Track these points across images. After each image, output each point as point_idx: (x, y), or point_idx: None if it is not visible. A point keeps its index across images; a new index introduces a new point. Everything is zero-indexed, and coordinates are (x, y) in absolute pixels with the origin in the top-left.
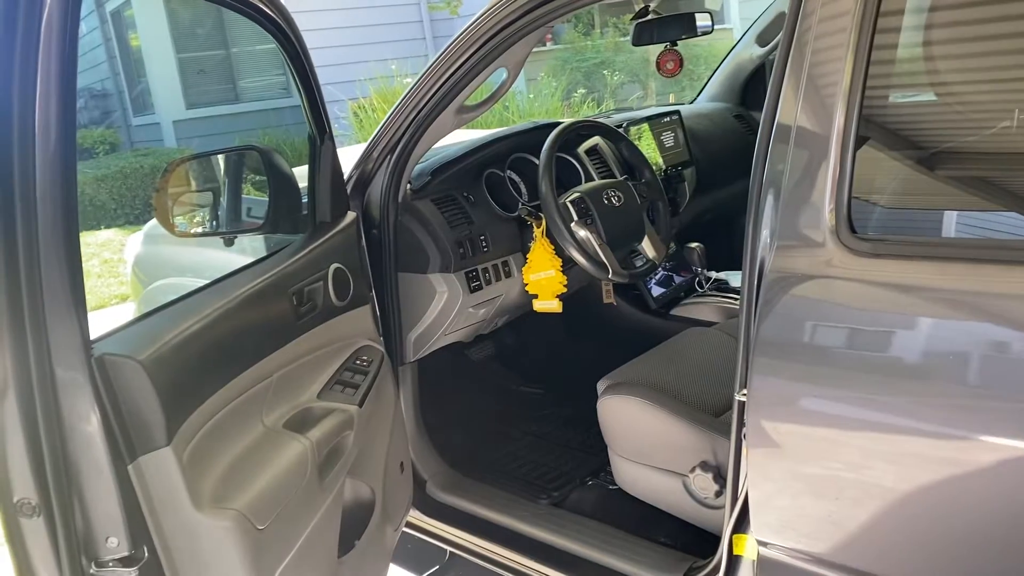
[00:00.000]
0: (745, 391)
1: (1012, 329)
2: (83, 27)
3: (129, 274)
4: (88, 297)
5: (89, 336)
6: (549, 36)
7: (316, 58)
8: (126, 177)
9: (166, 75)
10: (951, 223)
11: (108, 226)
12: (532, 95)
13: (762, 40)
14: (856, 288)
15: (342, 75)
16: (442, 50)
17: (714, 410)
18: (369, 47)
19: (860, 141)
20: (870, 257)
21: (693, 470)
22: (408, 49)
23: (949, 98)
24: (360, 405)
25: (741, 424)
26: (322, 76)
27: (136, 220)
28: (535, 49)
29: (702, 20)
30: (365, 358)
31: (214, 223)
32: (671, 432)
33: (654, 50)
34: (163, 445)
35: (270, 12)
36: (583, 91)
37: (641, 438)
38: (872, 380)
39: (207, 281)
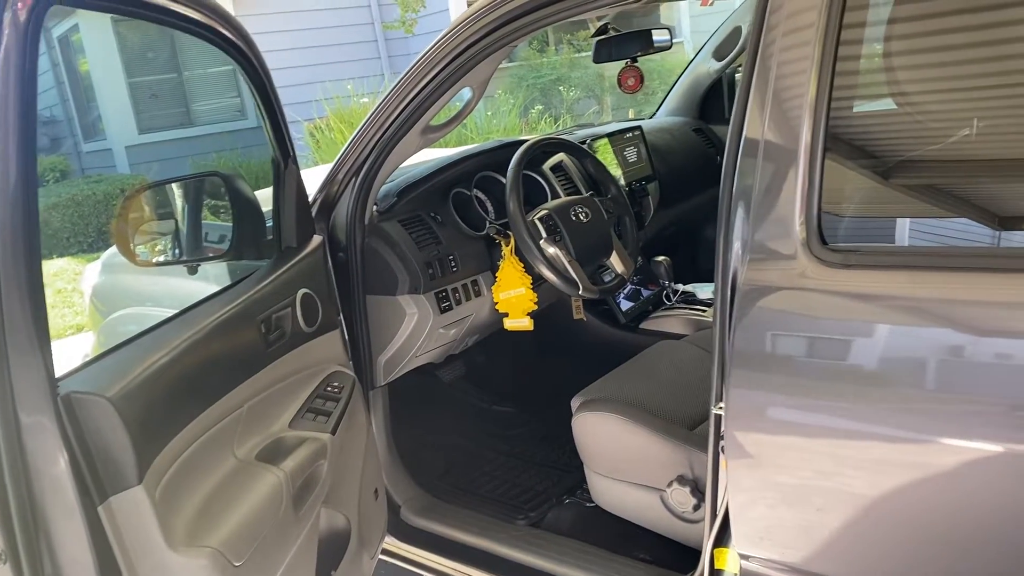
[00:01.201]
0: (721, 404)
1: (984, 336)
2: None
3: (87, 304)
4: None
5: (54, 374)
6: None
7: (273, 79)
8: (78, 204)
9: (117, 100)
10: (921, 232)
11: (61, 255)
12: (490, 112)
13: (718, 54)
14: (828, 299)
15: (298, 96)
16: (406, 70)
17: (689, 423)
18: (325, 67)
19: (828, 153)
20: (841, 268)
21: (670, 484)
22: (364, 69)
23: (913, 108)
24: (333, 432)
25: (718, 437)
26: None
27: (90, 248)
28: None
29: (660, 35)
30: (336, 384)
31: (177, 251)
32: (647, 447)
33: (610, 66)
34: (134, 484)
35: (230, 35)
36: (540, 108)
37: (617, 454)
38: (847, 390)
39: (168, 310)
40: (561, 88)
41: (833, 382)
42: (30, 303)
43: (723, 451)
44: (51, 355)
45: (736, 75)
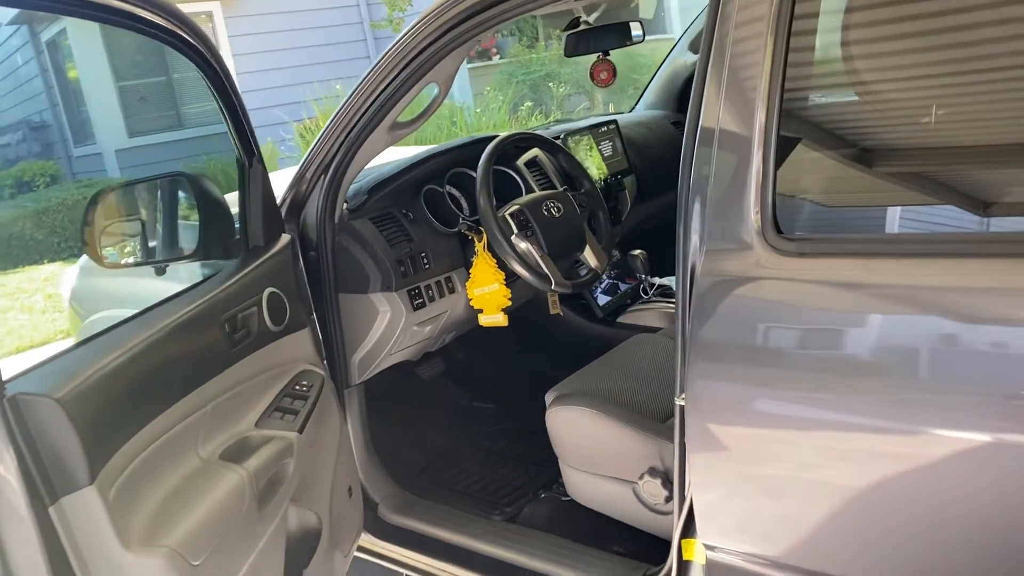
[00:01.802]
0: (684, 395)
1: (939, 318)
2: (18, 58)
3: (66, 307)
4: (33, 333)
5: (1, 376)
6: (495, 51)
7: (259, 81)
8: (69, 209)
9: (106, 104)
10: (875, 220)
11: (52, 260)
12: (479, 109)
13: (694, 47)
14: (785, 288)
15: (287, 97)
16: (370, 67)
17: (661, 415)
18: (314, 68)
19: (782, 142)
20: (796, 257)
21: (642, 477)
22: (353, 69)
23: (867, 96)
24: (300, 431)
25: (683, 428)
26: (267, 98)
27: (80, 252)
28: (481, 64)
29: (634, 30)
30: (305, 383)
31: (144, 253)
32: (619, 440)
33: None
34: (85, 485)
35: (185, 35)
36: (530, 104)
37: (590, 448)
38: (807, 377)
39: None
40: (551, 84)
41: (792, 372)
42: None
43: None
44: None
45: None
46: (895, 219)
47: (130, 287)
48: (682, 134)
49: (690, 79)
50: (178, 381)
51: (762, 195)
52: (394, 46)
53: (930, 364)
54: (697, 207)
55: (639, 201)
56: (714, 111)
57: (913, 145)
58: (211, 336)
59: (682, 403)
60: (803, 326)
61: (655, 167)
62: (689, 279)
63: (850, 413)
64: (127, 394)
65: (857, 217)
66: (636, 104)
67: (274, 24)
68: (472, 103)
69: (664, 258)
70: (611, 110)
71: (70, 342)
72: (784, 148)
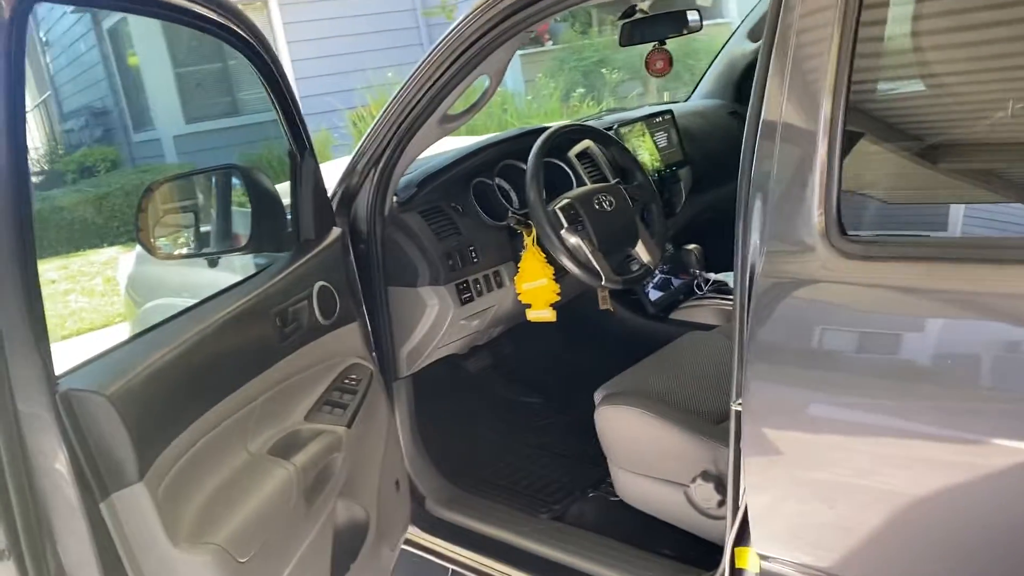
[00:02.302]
0: (740, 400)
1: (1013, 327)
2: (81, 45)
3: (123, 294)
4: (92, 316)
5: (54, 371)
6: (547, 36)
7: (313, 68)
8: (127, 194)
9: (165, 90)
10: (946, 221)
11: (111, 244)
12: (531, 96)
13: (753, 35)
14: (849, 292)
15: (340, 84)
16: (421, 60)
17: (714, 417)
18: (366, 55)
19: (848, 137)
20: (862, 260)
21: (694, 480)
22: (405, 56)
23: (940, 89)
24: (349, 426)
25: (739, 433)
26: (319, 86)
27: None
28: (533, 50)
29: (691, 17)
30: (354, 377)
31: (197, 244)
32: (670, 442)
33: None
34: (135, 481)
35: (235, 27)
36: (582, 91)
37: (640, 448)
38: (870, 385)
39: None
40: (604, 70)
41: (855, 377)
42: (25, 301)
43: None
44: (49, 352)
45: None
46: (968, 220)
47: (185, 276)
48: (740, 125)
49: (749, 68)
50: (229, 376)
51: (826, 193)
52: (445, 38)
53: (1009, 375)
54: (758, 204)
55: (695, 194)
56: (777, 103)
57: (987, 141)
58: (262, 330)
59: (738, 408)
60: (867, 332)
61: (712, 158)
62: (748, 280)
63: (913, 422)
64: (177, 390)
65: (927, 217)
66: (692, 93)
67: (327, 11)
68: (524, 90)
69: (719, 253)
70: (666, 98)
71: (126, 328)
72: (850, 143)
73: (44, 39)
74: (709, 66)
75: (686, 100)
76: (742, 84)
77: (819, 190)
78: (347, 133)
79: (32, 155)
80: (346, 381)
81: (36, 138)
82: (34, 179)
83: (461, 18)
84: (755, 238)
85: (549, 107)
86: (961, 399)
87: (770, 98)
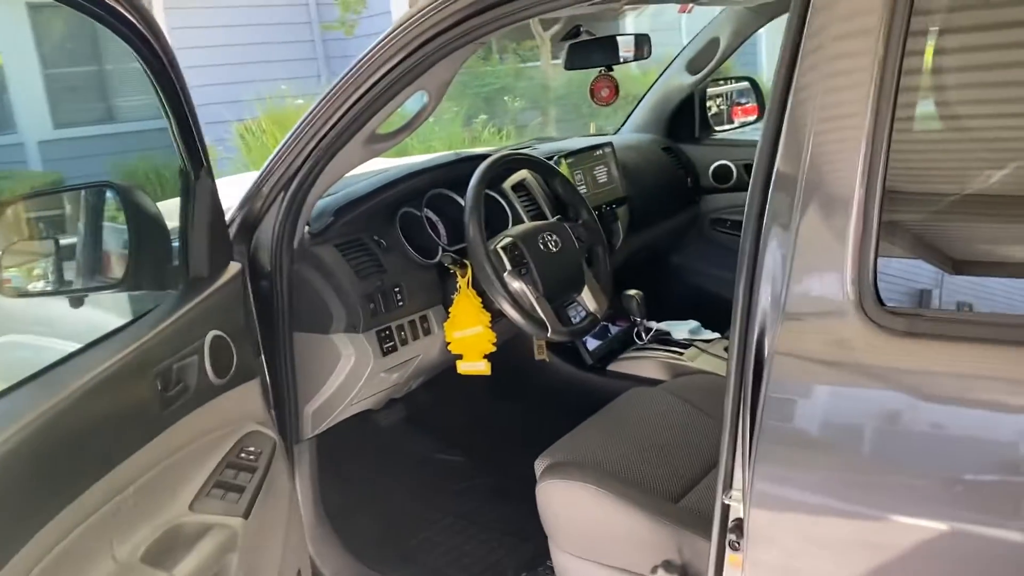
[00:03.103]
0: (733, 492)
1: None
2: None
3: None
4: None
5: None
6: None
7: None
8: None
9: (30, 90)
10: (1011, 294)
11: None
12: (431, 119)
13: (693, 67)
14: (887, 375)
15: (229, 95)
16: (348, 69)
17: (672, 494)
18: (259, 66)
19: (890, 190)
20: (904, 336)
21: (655, 571)
22: (299, 69)
23: (1006, 133)
24: (246, 516)
25: (724, 529)
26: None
27: None
28: None
29: (641, 43)
30: (252, 449)
31: (59, 279)
32: (626, 525)
33: (557, 77)
34: None
35: (127, 15)
36: (484, 117)
37: (591, 531)
38: (913, 486)
39: (65, 341)
40: (506, 98)
41: (894, 477)
42: None
43: (732, 547)
44: None
45: (708, 91)
46: None
47: (44, 307)
48: (673, 161)
49: (684, 103)
50: (91, 460)
51: (861, 256)
52: (380, 43)
53: None
54: (771, 264)
55: (631, 233)
56: (796, 149)
57: None
58: (138, 396)
59: (729, 501)
60: (909, 424)
61: (647, 195)
62: (754, 352)
63: (978, 540)
64: (8, 496)
65: (987, 290)
66: (622, 125)
67: (219, 18)
68: None
69: (660, 298)
70: (592, 129)
71: None
72: (891, 200)
73: None
74: (642, 97)
75: (616, 132)
76: (675, 118)
77: (852, 252)
78: (232, 146)
79: None
80: (242, 455)
81: None
82: None
83: (399, 21)
84: (765, 302)
85: (451, 131)
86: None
87: (786, 143)
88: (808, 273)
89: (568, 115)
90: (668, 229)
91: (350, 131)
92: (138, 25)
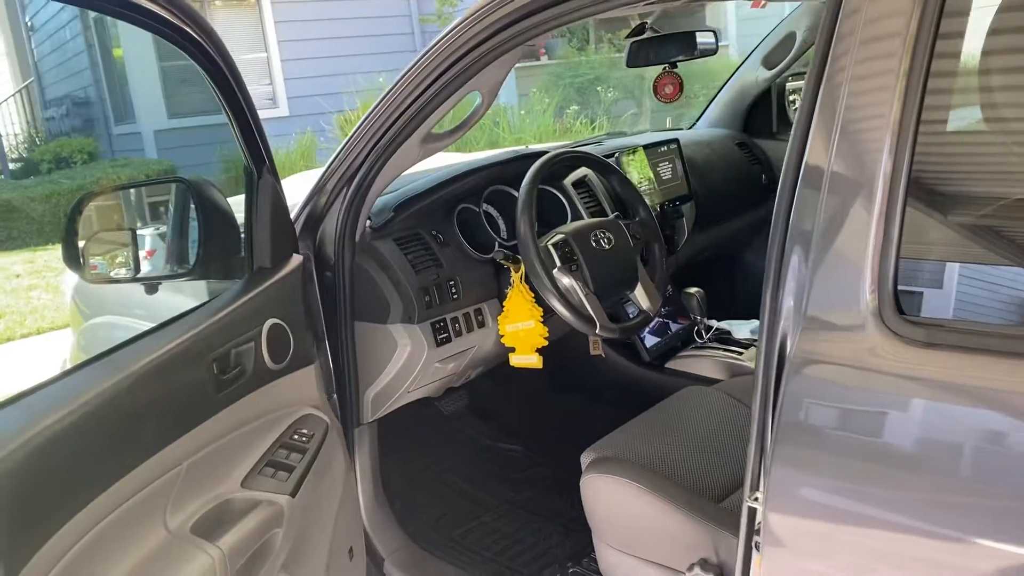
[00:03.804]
0: (757, 495)
1: None
2: (66, 33)
3: (68, 304)
4: (54, 315)
5: None
6: (544, 51)
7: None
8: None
9: (148, 83)
10: None
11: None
12: (524, 111)
13: (768, 62)
14: (905, 386)
15: (330, 87)
16: (404, 70)
17: (716, 493)
18: (359, 59)
19: (913, 195)
20: (923, 347)
21: (691, 568)
22: (398, 61)
23: None
24: (293, 494)
25: (751, 531)
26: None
27: None
28: (529, 64)
29: (704, 38)
30: (305, 431)
31: (135, 267)
32: (666, 522)
33: (652, 67)
34: None
35: (182, 25)
36: (576, 108)
37: (631, 526)
38: (927, 501)
39: (147, 324)
40: (599, 88)
41: (907, 492)
42: None
43: (757, 548)
44: None
45: (788, 85)
46: None
47: (136, 292)
48: (748, 157)
49: (760, 97)
50: (146, 438)
51: (881, 262)
52: (433, 46)
53: None
54: (794, 266)
55: (697, 231)
56: (824, 147)
57: None
58: (193, 379)
59: (753, 504)
60: (926, 437)
61: (716, 193)
62: (776, 355)
63: (989, 539)
64: (72, 463)
65: (1013, 299)
66: (697, 121)
67: (321, 12)
68: (517, 104)
69: (722, 297)
70: (668, 123)
71: (71, 339)
72: (916, 202)
73: (30, 24)
74: (717, 93)
75: (690, 127)
76: (752, 114)
77: (873, 257)
78: (333, 137)
79: (11, 142)
80: (295, 437)
81: (16, 124)
82: (11, 166)
83: (452, 25)
84: (788, 306)
85: (542, 123)
86: None
87: (815, 139)
88: (829, 279)
89: (664, 105)
90: (739, 226)
91: (407, 131)
92: (199, 39)
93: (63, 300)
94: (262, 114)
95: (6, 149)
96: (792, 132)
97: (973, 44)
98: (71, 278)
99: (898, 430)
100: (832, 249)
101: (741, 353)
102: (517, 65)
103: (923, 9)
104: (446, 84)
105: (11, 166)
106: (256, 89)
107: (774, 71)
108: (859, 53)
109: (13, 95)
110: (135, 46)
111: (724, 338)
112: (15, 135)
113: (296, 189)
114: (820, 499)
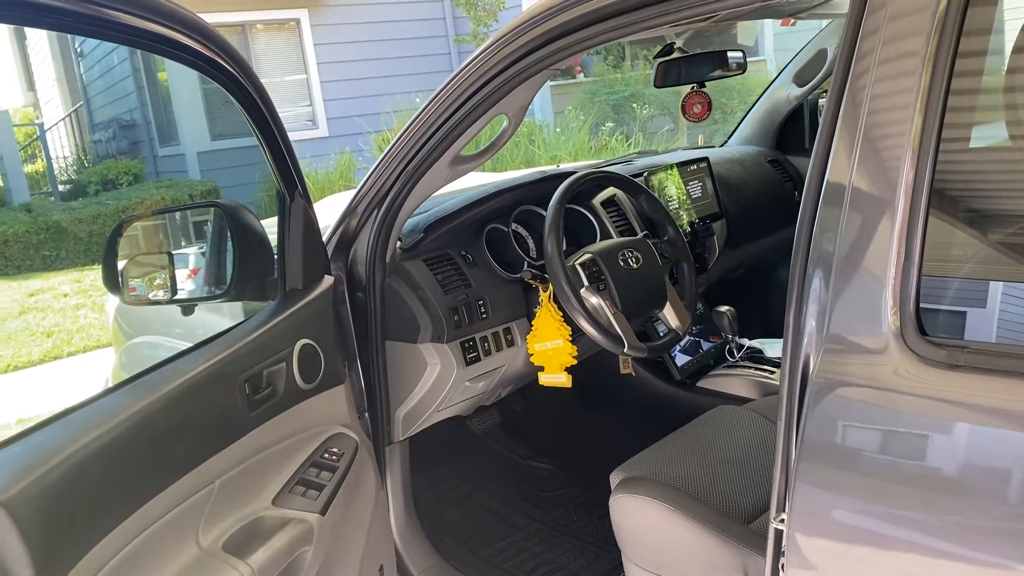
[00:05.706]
0: (783, 517)
1: None
2: (113, 58)
3: (110, 323)
4: (100, 333)
5: None
6: (579, 68)
7: (342, 90)
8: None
9: (191, 106)
10: None
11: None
12: (559, 128)
13: (800, 79)
14: (927, 408)
15: (368, 107)
16: (433, 95)
17: (746, 514)
18: (396, 79)
19: (934, 210)
20: (946, 369)
21: None
22: (434, 81)
23: None
24: (323, 512)
25: (778, 553)
26: (348, 108)
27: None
28: (564, 82)
29: (733, 55)
30: (335, 450)
31: (172, 289)
32: (695, 544)
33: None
34: None
35: (215, 56)
36: (611, 125)
37: (660, 546)
38: (948, 524)
39: (184, 344)
40: (635, 105)
41: (926, 517)
42: None
43: (783, 569)
44: None
45: (820, 101)
46: None
47: (175, 312)
48: (780, 175)
49: (792, 114)
50: (179, 457)
51: (903, 282)
52: (460, 72)
53: None
54: (816, 285)
55: (728, 249)
56: (845, 165)
57: None
58: (226, 399)
59: (780, 527)
60: (953, 461)
61: (748, 211)
62: (800, 375)
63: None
64: (108, 481)
65: None
66: (729, 138)
67: (359, 35)
68: (552, 121)
69: (754, 316)
70: (700, 140)
71: (113, 357)
72: (938, 221)
73: (79, 50)
74: (749, 109)
75: (722, 145)
76: (784, 130)
77: (894, 277)
78: (371, 156)
79: (60, 164)
80: (326, 455)
81: (66, 147)
82: (60, 188)
83: (480, 50)
84: (810, 327)
85: (577, 140)
86: None
87: (837, 156)
88: (850, 298)
89: (701, 123)
90: (771, 244)
91: (436, 153)
92: (231, 69)
93: (107, 319)
94: (302, 135)
95: (56, 171)
96: (813, 151)
97: (994, 62)
98: (113, 299)
99: (920, 452)
100: (853, 268)
101: (773, 372)
102: (552, 83)
103: (942, 28)
104: (474, 107)
105: (60, 188)
106: (296, 110)
107: (806, 88)
108: (879, 71)
109: (63, 119)
110: (179, 70)
111: (756, 357)
112: (64, 157)
113: (333, 209)
114: (844, 520)
